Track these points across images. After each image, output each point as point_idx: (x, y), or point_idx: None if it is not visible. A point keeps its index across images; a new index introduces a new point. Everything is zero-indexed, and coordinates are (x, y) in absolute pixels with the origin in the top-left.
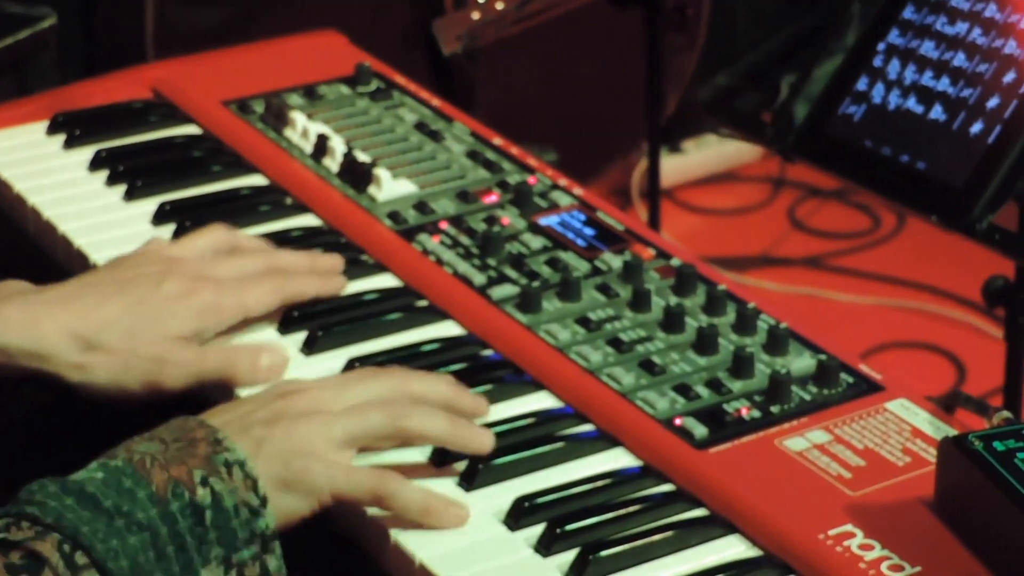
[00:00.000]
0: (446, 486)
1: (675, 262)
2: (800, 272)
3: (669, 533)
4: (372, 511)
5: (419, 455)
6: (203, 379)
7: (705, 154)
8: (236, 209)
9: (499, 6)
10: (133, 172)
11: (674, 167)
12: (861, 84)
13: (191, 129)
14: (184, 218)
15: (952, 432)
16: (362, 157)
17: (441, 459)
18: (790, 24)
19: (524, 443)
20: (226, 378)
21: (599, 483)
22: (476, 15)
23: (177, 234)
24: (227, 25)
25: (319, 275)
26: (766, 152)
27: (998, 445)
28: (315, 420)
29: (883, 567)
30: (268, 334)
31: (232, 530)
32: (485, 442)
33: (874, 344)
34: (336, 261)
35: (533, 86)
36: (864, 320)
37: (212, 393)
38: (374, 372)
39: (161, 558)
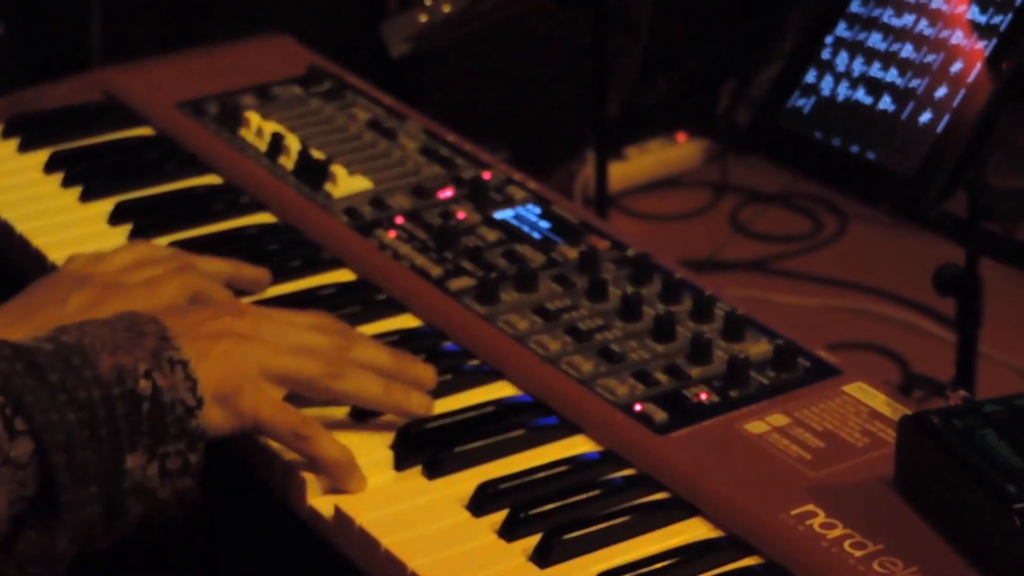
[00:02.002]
0: (410, 475)
1: (631, 252)
2: (744, 276)
3: (631, 516)
4: (337, 501)
5: (381, 442)
6: None
7: (648, 160)
8: (192, 208)
9: (447, 9)
10: (89, 173)
11: (617, 173)
12: (810, 77)
13: (146, 131)
14: (141, 218)
15: (910, 413)
16: (317, 155)
17: (404, 453)
18: (731, 27)
19: (485, 431)
20: None
21: (561, 469)
22: (424, 17)
23: (134, 234)
24: (173, 34)
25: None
26: (708, 157)
27: (957, 422)
28: (258, 347)
29: (845, 545)
30: None
31: (164, 425)
32: (422, 404)
33: (820, 345)
34: (262, 273)
35: (480, 90)
36: (809, 322)
37: None
38: (327, 323)
39: (93, 438)
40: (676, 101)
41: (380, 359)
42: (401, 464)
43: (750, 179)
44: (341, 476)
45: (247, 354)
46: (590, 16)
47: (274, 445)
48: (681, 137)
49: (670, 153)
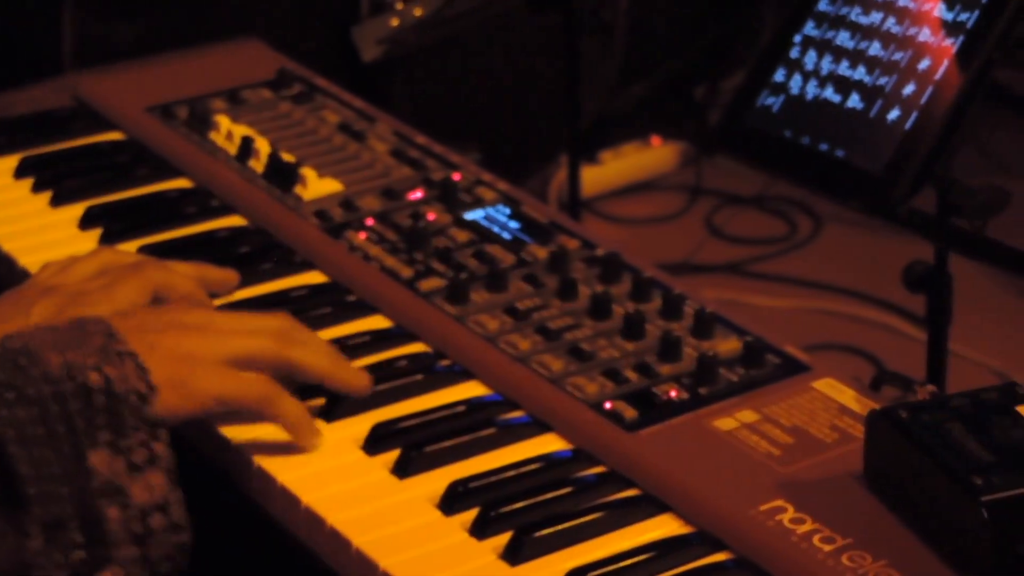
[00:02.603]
0: (381, 474)
1: (600, 251)
2: (719, 279)
3: (602, 513)
4: (309, 499)
5: (352, 443)
6: None
7: (622, 164)
8: (162, 212)
9: (418, 12)
10: (59, 178)
11: (592, 178)
12: (779, 76)
13: (116, 136)
14: (111, 222)
15: (878, 408)
16: (287, 158)
17: (375, 452)
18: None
19: (456, 430)
20: None
21: (532, 467)
22: (395, 21)
23: (104, 239)
24: (146, 40)
25: (194, 279)
26: (683, 161)
27: (924, 416)
28: (205, 334)
29: (815, 539)
30: None
31: (121, 415)
32: (364, 383)
33: (796, 347)
34: (229, 275)
35: (452, 96)
36: (784, 324)
37: None
38: (273, 314)
39: (51, 436)
40: (650, 105)
41: (321, 348)
42: (372, 456)
43: (725, 182)
44: (296, 435)
45: (197, 342)
46: (561, 20)
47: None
48: (655, 141)
49: (645, 157)
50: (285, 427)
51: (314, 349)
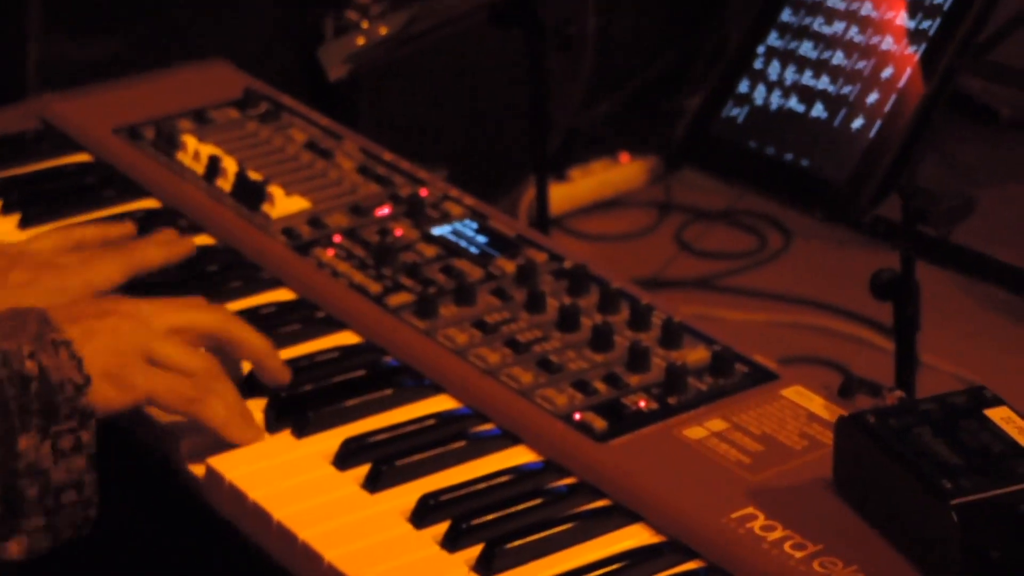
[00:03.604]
0: (352, 489)
1: (568, 264)
2: (690, 294)
3: (573, 524)
4: (280, 515)
5: (322, 458)
6: None
7: (591, 181)
8: None
9: (383, 31)
10: (27, 200)
11: (561, 195)
12: (743, 87)
13: (83, 157)
14: None
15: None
16: (254, 176)
17: (344, 462)
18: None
19: (426, 444)
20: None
21: (502, 479)
22: (361, 40)
23: None
24: (113, 61)
25: (164, 243)
26: (652, 177)
27: (893, 421)
28: (140, 322)
29: (786, 546)
30: None
31: (55, 404)
32: (288, 377)
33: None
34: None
35: (420, 116)
36: (755, 337)
37: None
38: (200, 301)
39: None
40: (618, 121)
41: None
42: (343, 471)
43: (694, 198)
44: (230, 433)
45: (132, 329)
46: (525, 36)
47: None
48: (624, 158)
49: (613, 174)
50: (215, 428)
51: (252, 331)
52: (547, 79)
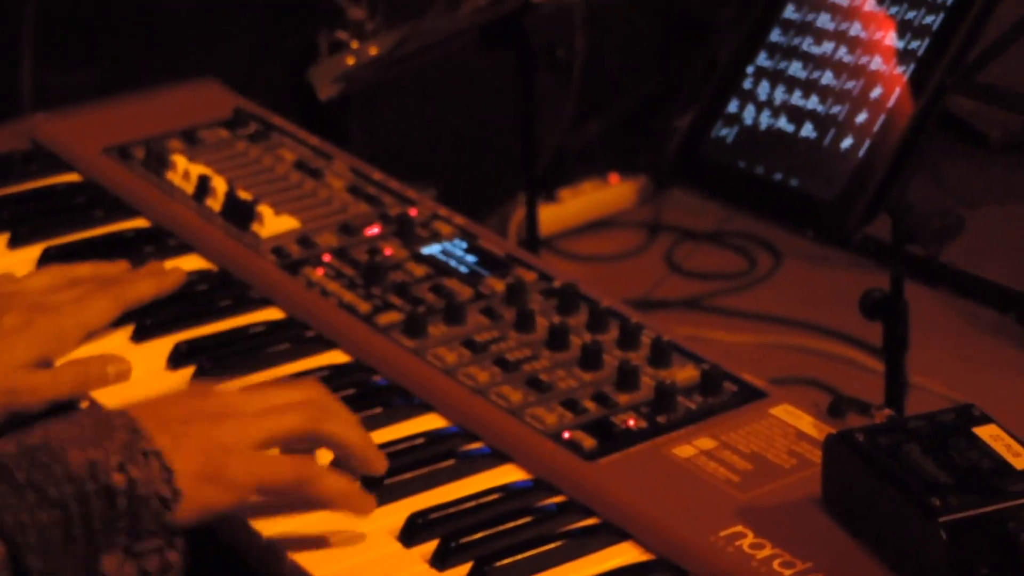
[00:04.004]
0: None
1: (557, 283)
2: (680, 314)
3: (562, 542)
4: (270, 533)
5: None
6: (59, 398)
7: (581, 202)
8: (120, 252)
9: (373, 51)
10: (16, 220)
11: (551, 216)
12: (732, 107)
13: (72, 177)
14: (68, 262)
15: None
16: (244, 196)
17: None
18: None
19: (415, 462)
20: (79, 392)
21: (491, 498)
22: (351, 60)
23: None
24: (104, 84)
25: (155, 275)
26: (641, 198)
27: (881, 439)
28: (232, 420)
29: (775, 564)
30: (157, 371)
31: (141, 519)
32: (384, 465)
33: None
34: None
35: (409, 136)
36: (745, 358)
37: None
38: (292, 384)
39: (68, 540)
40: (607, 142)
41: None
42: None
43: (684, 218)
44: (350, 507)
45: (224, 431)
46: (515, 57)
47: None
48: (613, 178)
49: (603, 194)
50: (335, 503)
51: (345, 420)
52: (536, 100)
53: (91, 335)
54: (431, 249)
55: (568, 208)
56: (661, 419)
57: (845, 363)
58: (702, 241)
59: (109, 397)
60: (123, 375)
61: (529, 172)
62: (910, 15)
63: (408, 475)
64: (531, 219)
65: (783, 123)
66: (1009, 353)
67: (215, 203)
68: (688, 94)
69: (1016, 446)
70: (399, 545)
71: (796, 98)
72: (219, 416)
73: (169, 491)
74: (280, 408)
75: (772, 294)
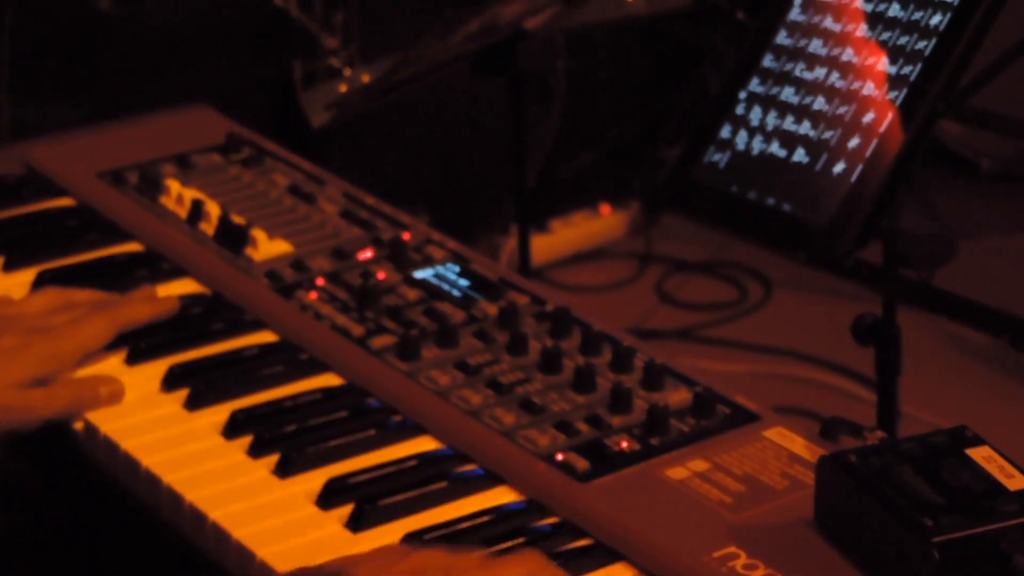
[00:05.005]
0: (333, 529)
1: (550, 307)
2: (671, 345)
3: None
4: (263, 554)
5: (305, 499)
6: (54, 417)
7: (572, 232)
8: (113, 276)
9: (365, 78)
10: (10, 244)
11: (542, 246)
12: (724, 132)
13: (66, 201)
14: (63, 286)
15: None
16: (238, 220)
17: (328, 502)
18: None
19: (409, 484)
20: (74, 411)
21: (484, 519)
22: (343, 87)
23: None
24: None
25: (150, 300)
26: (632, 228)
27: (874, 460)
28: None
29: None
30: (151, 394)
31: None
32: None
33: None
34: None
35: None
36: (736, 388)
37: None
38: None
39: None
40: (599, 173)
41: None
42: (327, 511)
43: (675, 249)
44: None
45: None
46: (506, 87)
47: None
48: (605, 209)
49: (594, 225)
50: None
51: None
52: (526, 129)
53: (87, 357)
54: (424, 273)
55: (559, 238)
56: (654, 441)
57: (837, 393)
58: (693, 272)
59: (104, 420)
60: (116, 396)
61: (519, 200)
62: (903, 40)
63: (401, 496)
64: (523, 246)
65: (775, 148)
66: (1002, 383)
67: (209, 227)
68: (677, 123)
69: (1009, 467)
70: None
71: (788, 123)
72: (447, 570)
73: None
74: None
75: (763, 324)
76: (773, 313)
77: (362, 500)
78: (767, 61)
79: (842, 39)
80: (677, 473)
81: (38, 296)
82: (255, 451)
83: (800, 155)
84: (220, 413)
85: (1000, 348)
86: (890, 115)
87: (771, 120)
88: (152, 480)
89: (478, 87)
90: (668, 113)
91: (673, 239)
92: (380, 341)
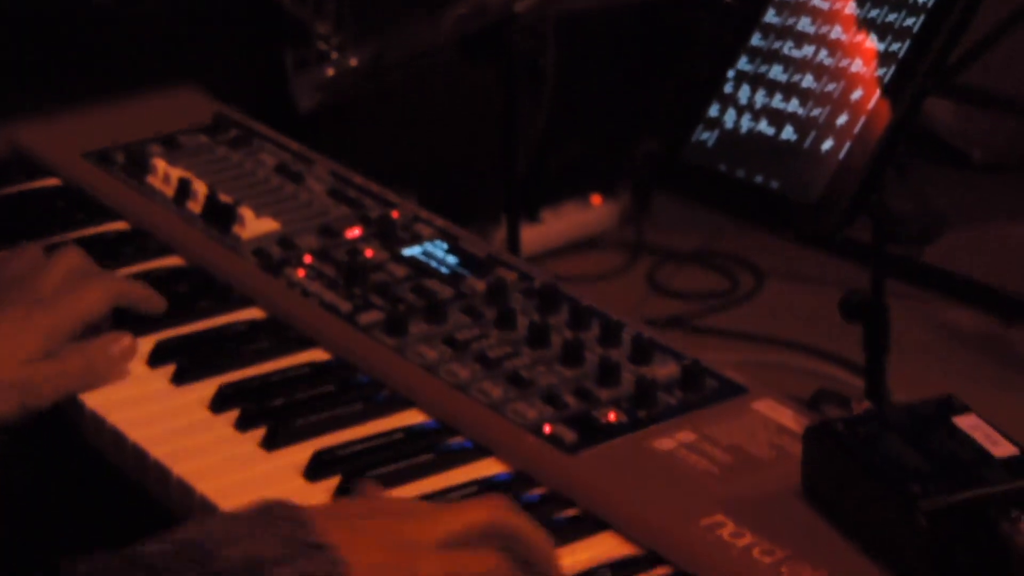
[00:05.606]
0: (320, 500)
1: (538, 282)
2: (663, 334)
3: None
4: None
5: (294, 474)
6: (70, 388)
7: (563, 222)
8: (100, 254)
9: (353, 62)
10: None
11: (533, 237)
12: (713, 111)
13: (52, 182)
14: None
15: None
16: (225, 199)
17: (315, 474)
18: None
19: (396, 456)
20: (89, 380)
21: (471, 490)
22: (331, 71)
23: None
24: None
25: (143, 282)
26: (623, 218)
27: (861, 429)
28: (419, 516)
29: (754, 552)
30: (138, 369)
31: None
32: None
33: None
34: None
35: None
36: None
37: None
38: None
39: None
40: (589, 163)
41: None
42: (314, 483)
43: (666, 239)
44: None
45: (413, 526)
46: (496, 72)
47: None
48: (595, 199)
49: (585, 215)
50: None
51: (529, 520)
52: (517, 115)
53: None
54: (412, 251)
55: (550, 229)
56: (642, 413)
57: (827, 380)
58: (684, 261)
59: (91, 395)
60: (128, 352)
61: (510, 189)
62: (891, 17)
63: (388, 468)
64: (513, 237)
65: (764, 126)
66: (990, 369)
67: (196, 206)
68: (666, 109)
69: (995, 435)
70: None
71: (777, 101)
72: (401, 514)
73: None
74: (466, 507)
75: (754, 313)
76: (764, 302)
77: (349, 472)
78: (755, 40)
79: (830, 16)
80: (664, 444)
81: (58, 262)
82: (242, 425)
83: (788, 133)
84: (207, 388)
85: (988, 335)
86: (878, 92)
87: (759, 98)
88: (139, 454)
89: (468, 73)
90: (658, 101)
91: (664, 229)
92: (368, 317)
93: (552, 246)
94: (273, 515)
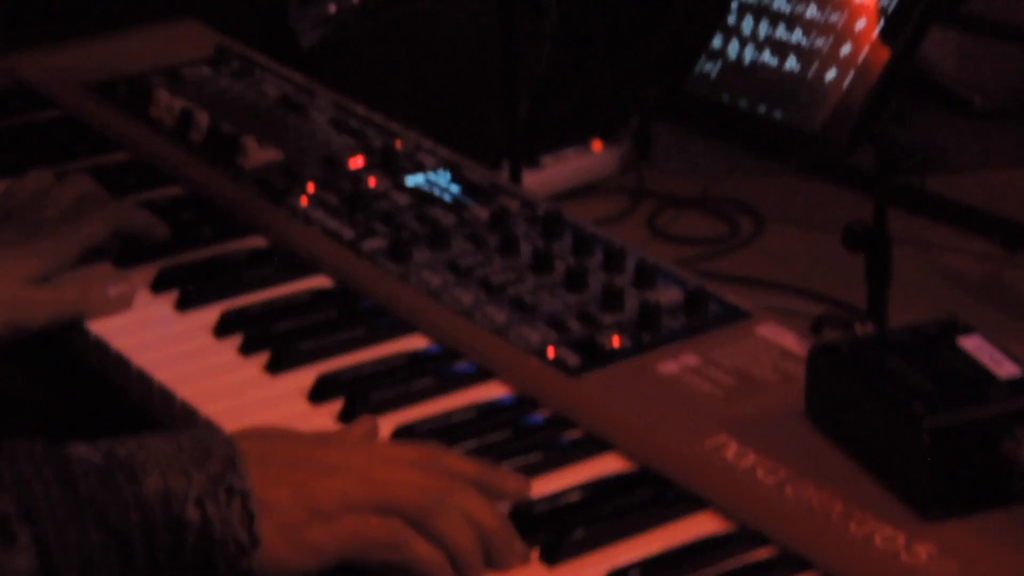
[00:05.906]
0: (324, 423)
1: (541, 210)
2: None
3: (544, 454)
4: None
5: (299, 398)
6: (62, 315)
7: (564, 168)
8: (103, 184)
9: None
10: None
11: (533, 182)
12: (716, 42)
13: (54, 114)
14: None
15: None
16: (227, 129)
17: (320, 396)
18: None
19: (399, 379)
20: (81, 311)
21: (474, 412)
22: (333, 8)
23: None
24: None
25: (146, 211)
26: (624, 164)
27: (865, 350)
28: (340, 479)
29: (758, 472)
30: (141, 295)
31: (212, 563)
32: (520, 485)
33: None
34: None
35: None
36: None
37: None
38: (430, 460)
39: (128, 570)
40: (590, 108)
41: (482, 513)
42: (318, 406)
43: (666, 184)
44: (504, 558)
45: (327, 487)
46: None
47: None
48: (596, 145)
49: (586, 161)
50: (430, 572)
51: (461, 523)
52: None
53: (85, 253)
54: (415, 179)
55: (551, 174)
56: (646, 337)
57: None
58: (685, 207)
59: (95, 320)
60: (125, 299)
61: (512, 134)
62: None
63: (392, 390)
64: (514, 178)
65: (767, 57)
66: (993, 317)
67: (198, 136)
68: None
69: (999, 355)
70: None
71: (780, 32)
72: (330, 471)
73: (247, 537)
74: (398, 484)
75: (755, 258)
76: (764, 247)
77: (353, 394)
78: None
79: None
80: (668, 367)
81: (66, 189)
82: (246, 349)
83: (792, 63)
84: (211, 314)
85: (987, 278)
86: (882, 20)
87: (763, 29)
88: (143, 379)
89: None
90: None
91: (665, 175)
92: (371, 244)
93: (553, 192)
94: (210, 451)
